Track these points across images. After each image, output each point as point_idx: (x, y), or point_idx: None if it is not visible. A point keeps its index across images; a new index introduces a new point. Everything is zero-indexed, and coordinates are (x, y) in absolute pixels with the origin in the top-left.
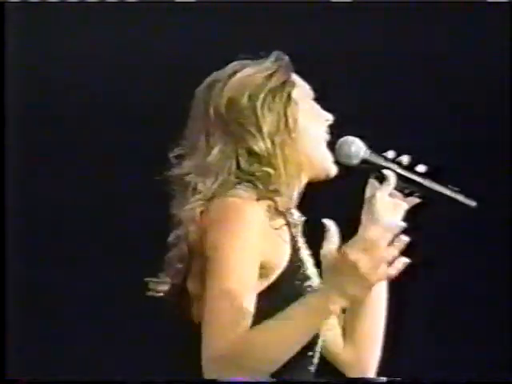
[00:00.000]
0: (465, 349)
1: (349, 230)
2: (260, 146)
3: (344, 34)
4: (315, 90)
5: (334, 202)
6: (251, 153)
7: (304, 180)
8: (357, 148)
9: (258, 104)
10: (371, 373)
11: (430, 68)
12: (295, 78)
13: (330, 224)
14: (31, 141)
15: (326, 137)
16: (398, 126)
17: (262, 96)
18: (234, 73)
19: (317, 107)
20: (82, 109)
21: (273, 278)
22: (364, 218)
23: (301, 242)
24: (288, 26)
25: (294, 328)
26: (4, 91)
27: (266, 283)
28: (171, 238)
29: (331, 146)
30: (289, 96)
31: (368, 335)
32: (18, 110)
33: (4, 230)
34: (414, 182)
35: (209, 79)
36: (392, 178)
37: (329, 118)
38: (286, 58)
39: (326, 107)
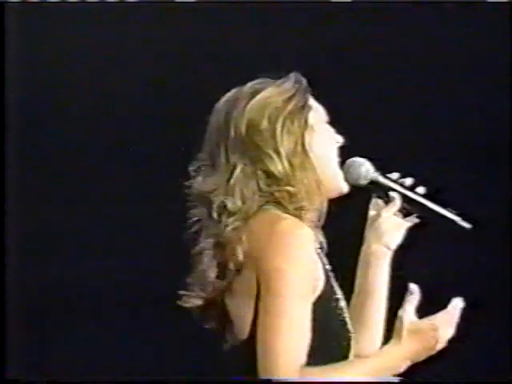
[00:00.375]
0: (465, 349)
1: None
2: (278, 168)
3: (344, 34)
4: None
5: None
6: (269, 175)
7: (324, 198)
8: (366, 169)
9: (278, 127)
10: None
11: (430, 68)
12: (311, 100)
13: (414, 288)
14: (31, 141)
15: (337, 158)
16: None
17: (281, 120)
18: (255, 93)
19: (329, 130)
20: (82, 109)
21: (313, 299)
22: (368, 235)
23: (327, 263)
24: (288, 26)
25: (363, 375)
26: (4, 91)
27: None
28: (199, 250)
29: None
30: (306, 120)
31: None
32: (18, 110)
33: (4, 230)
34: (415, 202)
35: (230, 96)
36: (398, 200)
37: (339, 140)
38: (304, 81)
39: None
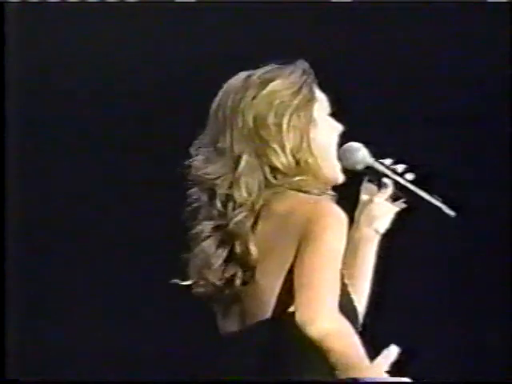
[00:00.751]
0: (465, 348)
1: None
2: (283, 162)
3: (344, 34)
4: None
5: None
6: (274, 168)
7: (328, 186)
8: (362, 155)
9: (284, 123)
10: None
11: (429, 68)
12: (317, 92)
13: (394, 349)
14: (31, 141)
15: (336, 147)
16: (393, 132)
17: (288, 115)
18: (264, 84)
19: (331, 120)
20: (82, 109)
21: None
22: (359, 218)
23: None
24: (287, 26)
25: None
26: (4, 91)
27: None
28: (197, 232)
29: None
30: (311, 114)
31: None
32: (18, 111)
33: (4, 230)
34: (405, 189)
35: (238, 83)
36: (390, 186)
37: (339, 129)
38: (311, 71)
39: None
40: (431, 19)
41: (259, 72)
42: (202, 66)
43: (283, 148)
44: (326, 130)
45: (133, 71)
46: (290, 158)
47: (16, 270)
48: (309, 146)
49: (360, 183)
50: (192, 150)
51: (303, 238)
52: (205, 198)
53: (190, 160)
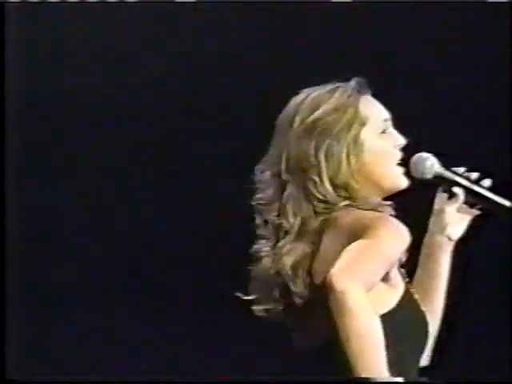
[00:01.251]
0: (465, 349)
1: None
2: (322, 191)
3: (344, 34)
4: None
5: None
6: (318, 199)
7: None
8: (431, 164)
9: (322, 152)
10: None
11: (429, 68)
12: (370, 103)
13: None
14: (31, 141)
15: (398, 156)
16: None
17: (326, 143)
18: (312, 110)
19: (389, 135)
20: (82, 109)
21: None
22: (432, 228)
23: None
24: (287, 26)
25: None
26: (4, 91)
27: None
28: (255, 250)
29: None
30: (355, 136)
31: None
32: (18, 110)
33: (4, 230)
34: (480, 195)
35: (295, 105)
36: (462, 195)
37: (401, 142)
38: (363, 88)
39: None
40: (431, 19)
41: (313, 94)
42: (202, 65)
43: (321, 178)
44: (380, 146)
45: (133, 71)
46: (329, 187)
47: (16, 269)
48: (349, 168)
49: (434, 194)
50: (257, 170)
51: (359, 237)
52: (260, 220)
53: (255, 181)
